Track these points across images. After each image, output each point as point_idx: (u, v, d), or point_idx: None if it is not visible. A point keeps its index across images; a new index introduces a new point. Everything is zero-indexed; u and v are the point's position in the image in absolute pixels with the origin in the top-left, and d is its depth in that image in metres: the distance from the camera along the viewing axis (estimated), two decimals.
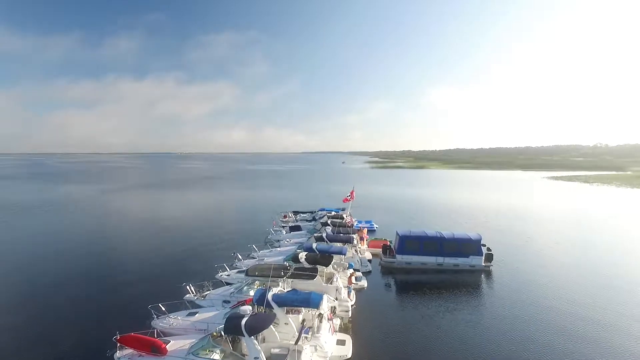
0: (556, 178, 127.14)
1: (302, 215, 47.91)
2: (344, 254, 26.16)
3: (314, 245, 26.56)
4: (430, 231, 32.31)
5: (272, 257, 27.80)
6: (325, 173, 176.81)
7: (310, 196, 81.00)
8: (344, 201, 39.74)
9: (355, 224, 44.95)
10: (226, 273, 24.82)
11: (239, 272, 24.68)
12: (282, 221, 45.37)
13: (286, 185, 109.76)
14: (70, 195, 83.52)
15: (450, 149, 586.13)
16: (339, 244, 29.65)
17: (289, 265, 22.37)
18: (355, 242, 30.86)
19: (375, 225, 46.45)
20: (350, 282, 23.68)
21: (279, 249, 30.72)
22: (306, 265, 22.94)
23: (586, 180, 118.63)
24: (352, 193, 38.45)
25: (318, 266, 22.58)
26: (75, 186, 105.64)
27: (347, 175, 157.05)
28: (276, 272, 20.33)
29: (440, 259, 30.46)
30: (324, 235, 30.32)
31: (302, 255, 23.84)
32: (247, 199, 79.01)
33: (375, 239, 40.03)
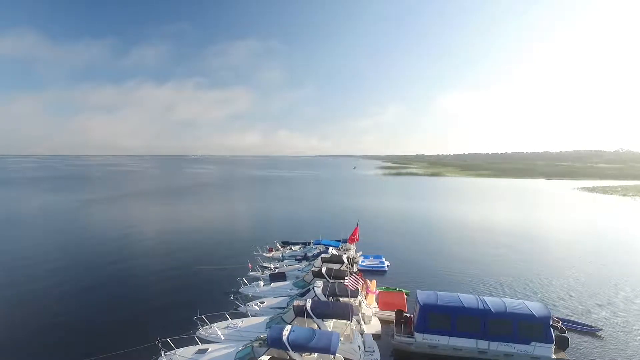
0: (589, 190, 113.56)
1: (292, 248, 37.56)
2: (334, 353, 15.89)
3: (285, 335, 16.29)
4: (468, 297, 21.38)
5: (222, 348, 17.70)
6: (333, 182, 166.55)
7: (312, 211, 70.60)
8: (349, 242, 28.91)
9: (360, 261, 34.69)
10: None
11: None
12: (266, 257, 35.24)
13: (288, 197, 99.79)
14: (36, 206, 75.11)
15: (464, 154, 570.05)
16: (330, 323, 19.42)
17: None
18: (356, 310, 20.48)
19: (386, 263, 35.40)
20: None
21: (240, 323, 20.49)
22: None
23: (624, 192, 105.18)
24: (355, 231, 27.78)
25: None
26: (54, 195, 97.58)
27: (356, 185, 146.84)
28: None
29: (483, 344, 19.66)
30: (308, 304, 19.90)
31: None
32: (237, 215, 68.78)
33: (387, 288, 29.51)
